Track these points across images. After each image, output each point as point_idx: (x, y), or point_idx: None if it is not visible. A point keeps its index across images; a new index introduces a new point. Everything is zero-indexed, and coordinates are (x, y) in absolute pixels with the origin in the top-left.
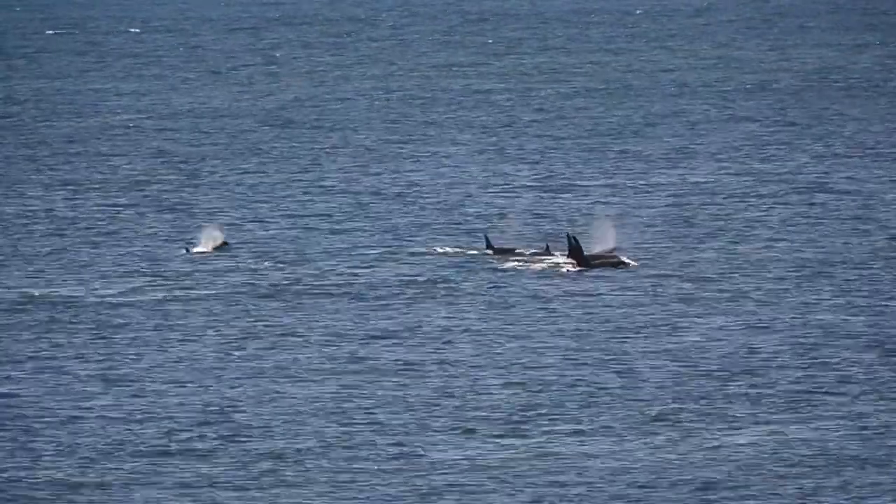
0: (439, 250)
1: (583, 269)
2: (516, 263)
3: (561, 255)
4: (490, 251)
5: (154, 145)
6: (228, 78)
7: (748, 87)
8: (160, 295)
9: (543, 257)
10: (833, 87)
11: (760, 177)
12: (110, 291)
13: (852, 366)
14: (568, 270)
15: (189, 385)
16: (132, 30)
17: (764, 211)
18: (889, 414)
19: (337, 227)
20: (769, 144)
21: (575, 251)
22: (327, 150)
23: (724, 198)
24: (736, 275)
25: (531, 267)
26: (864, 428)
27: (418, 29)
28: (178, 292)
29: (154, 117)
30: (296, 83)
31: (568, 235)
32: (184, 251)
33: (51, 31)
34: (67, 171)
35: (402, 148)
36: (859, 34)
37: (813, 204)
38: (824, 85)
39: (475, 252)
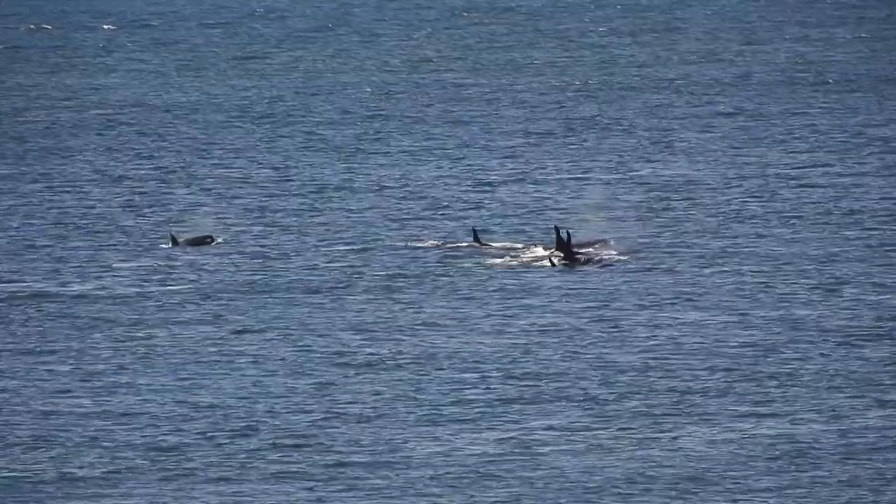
0: (425, 243)
1: (568, 262)
2: (502, 256)
3: (547, 248)
4: (477, 244)
5: (132, 139)
6: (206, 72)
7: (726, 80)
8: (139, 289)
9: (530, 250)
10: (808, 80)
11: (739, 171)
12: (87, 286)
13: (830, 360)
14: (553, 264)
15: (168, 380)
16: (106, 26)
17: (742, 205)
18: (871, 410)
19: (319, 220)
20: (748, 139)
21: (562, 244)
22: (307, 144)
23: (703, 192)
24: (716, 269)
25: (517, 260)
26: (843, 423)
27: (393, 23)
28: (157, 286)
29: (135, 111)
30: (275, 78)
31: (556, 228)
32: (169, 244)
33: (26, 27)
34: (44, 165)
35: (382, 142)
36: (832, 28)
37: (789, 198)
38: (801, 78)
39: (462, 245)
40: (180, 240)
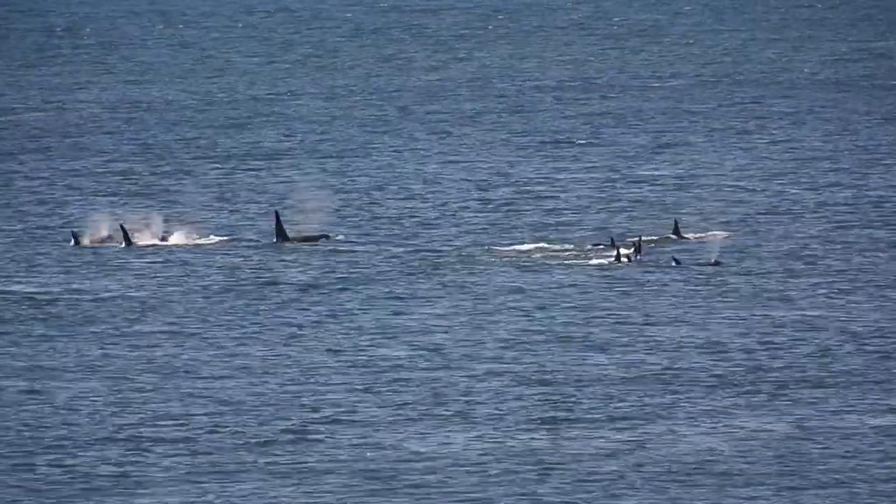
0: (524, 248)
1: (632, 262)
2: (572, 255)
3: (625, 249)
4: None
5: (139, 137)
6: (209, 71)
7: (752, 79)
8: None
9: (606, 250)
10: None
11: (750, 171)
12: (60, 288)
13: (837, 359)
14: (619, 259)
15: (161, 378)
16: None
17: (753, 204)
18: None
19: (341, 223)
20: (772, 140)
21: (636, 243)
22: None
23: (719, 191)
24: (733, 269)
25: (591, 259)
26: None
27: (383, 25)
28: (151, 288)
29: (144, 109)
30: (285, 75)
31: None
32: (71, 242)
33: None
34: (31, 163)
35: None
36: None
37: (798, 200)
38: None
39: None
40: (293, 237)
